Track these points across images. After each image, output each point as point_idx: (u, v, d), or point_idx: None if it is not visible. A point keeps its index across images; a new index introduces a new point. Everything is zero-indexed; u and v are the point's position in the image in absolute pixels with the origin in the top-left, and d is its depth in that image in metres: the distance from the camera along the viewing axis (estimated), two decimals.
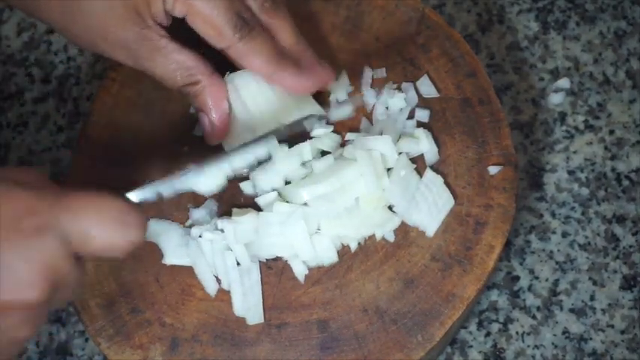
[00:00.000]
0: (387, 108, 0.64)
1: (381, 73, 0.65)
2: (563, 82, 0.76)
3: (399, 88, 0.64)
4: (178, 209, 0.63)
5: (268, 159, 0.60)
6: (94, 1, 0.57)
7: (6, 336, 0.44)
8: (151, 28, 0.58)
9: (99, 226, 0.45)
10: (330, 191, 0.59)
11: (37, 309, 0.44)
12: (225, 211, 0.62)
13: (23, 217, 0.43)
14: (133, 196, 0.52)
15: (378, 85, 0.65)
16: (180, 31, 0.59)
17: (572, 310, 0.70)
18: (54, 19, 0.59)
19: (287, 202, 0.60)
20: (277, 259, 0.60)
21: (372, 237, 0.61)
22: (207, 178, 0.57)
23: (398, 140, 0.62)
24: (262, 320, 0.59)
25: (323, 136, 0.62)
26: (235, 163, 0.59)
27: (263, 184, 0.61)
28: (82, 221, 0.45)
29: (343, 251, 0.60)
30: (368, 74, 0.65)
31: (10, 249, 0.42)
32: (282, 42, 0.61)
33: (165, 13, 0.57)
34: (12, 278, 0.42)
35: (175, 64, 0.59)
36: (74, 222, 0.44)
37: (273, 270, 0.61)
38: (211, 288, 0.60)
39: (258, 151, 0.60)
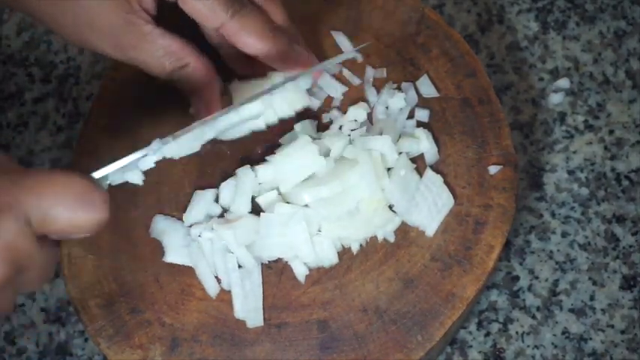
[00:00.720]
0: (387, 108, 0.64)
1: (381, 73, 0.65)
2: (563, 82, 0.76)
3: (398, 88, 0.64)
4: (178, 209, 0.63)
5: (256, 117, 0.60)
6: None
7: None
8: (137, 12, 0.58)
9: (60, 206, 0.44)
10: (331, 194, 0.59)
11: None
12: (223, 212, 0.62)
13: None
14: (99, 174, 0.50)
15: (378, 85, 0.65)
16: (173, 26, 0.59)
17: (571, 310, 0.70)
18: (41, 11, 0.59)
19: (288, 202, 0.60)
20: (278, 259, 0.61)
21: (372, 237, 0.61)
22: (180, 144, 0.56)
23: (398, 140, 0.62)
24: (262, 324, 0.59)
25: (333, 135, 0.62)
26: (215, 126, 0.58)
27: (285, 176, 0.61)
28: (43, 201, 0.44)
29: (343, 251, 0.60)
30: (370, 73, 0.65)
31: None
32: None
33: None
34: None
35: (162, 49, 0.59)
36: (35, 202, 0.43)
37: (273, 270, 0.61)
38: (212, 290, 0.60)
39: (242, 112, 0.59)
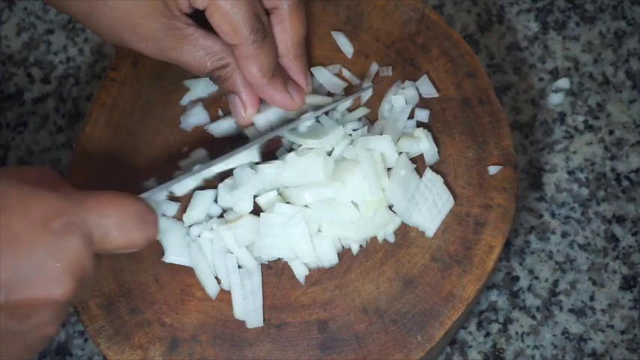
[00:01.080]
0: (392, 106, 0.64)
1: (387, 71, 0.65)
2: (563, 83, 0.76)
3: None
4: (178, 209, 0.63)
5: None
6: None
7: (36, 333, 0.46)
8: (178, 18, 0.58)
9: (120, 226, 0.48)
10: (333, 195, 0.59)
11: (63, 305, 0.46)
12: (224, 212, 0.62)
13: (51, 217, 0.45)
14: (147, 195, 0.55)
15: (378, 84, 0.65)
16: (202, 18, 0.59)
17: (571, 311, 0.70)
18: (80, 13, 0.59)
19: (288, 202, 0.60)
20: (277, 259, 0.60)
21: (372, 238, 0.61)
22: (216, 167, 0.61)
23: (398, 140, 0.62)
24: (262, 324, 0.59)
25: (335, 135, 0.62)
26: (240, 158, 0.61)
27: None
28: (105, 221, 0.47)
29: (343, 252, 0.60)
30: (374, 69, 0.65)
31: (40, 248, 0.44)
32: (285, 42, 0.61)
33: (189, 4, 0.58)
34: (43, 276, 0.45)
35: (203, 50, 0.59)
36: (97, 221, 0.47)
37: (273, 270, 0.61)
38: (212, 290, 0.60)
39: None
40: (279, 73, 0.61)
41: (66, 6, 0.60)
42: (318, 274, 0.60)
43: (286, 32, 0.60)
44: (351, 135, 0.62)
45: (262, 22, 0.58)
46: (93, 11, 0.58)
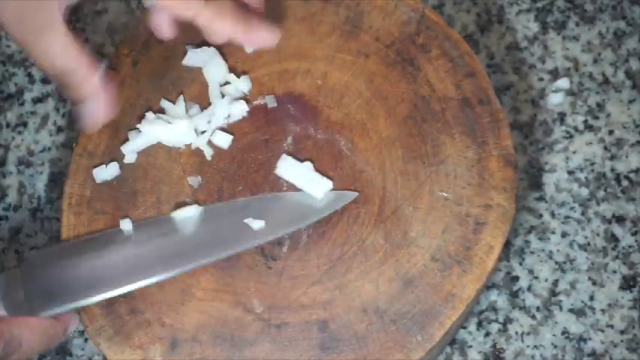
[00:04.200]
0: None
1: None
2: (563, 83, 0.76)
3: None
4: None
5: None
6: None
7: None
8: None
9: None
10: None
11: None
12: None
13: None
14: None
15: None
16: None
17: (571, 310, 0.70)
18: None
19: None
20: (277, 258, 0.61)
21: (371, 237, 0.61)
22: None
23: None
24: None
25: None
26: None
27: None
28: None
29: (342, 252, 0.60)
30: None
31: None
32: None
33: None
34: None
35: (62, 45, 0.56)
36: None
37: (273, 270, 0.61)
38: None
39: None
40: (250, 12, 0.58)
41: None
42: (318, 274, 0.60)
43: None
44: None
45: None
46: None
